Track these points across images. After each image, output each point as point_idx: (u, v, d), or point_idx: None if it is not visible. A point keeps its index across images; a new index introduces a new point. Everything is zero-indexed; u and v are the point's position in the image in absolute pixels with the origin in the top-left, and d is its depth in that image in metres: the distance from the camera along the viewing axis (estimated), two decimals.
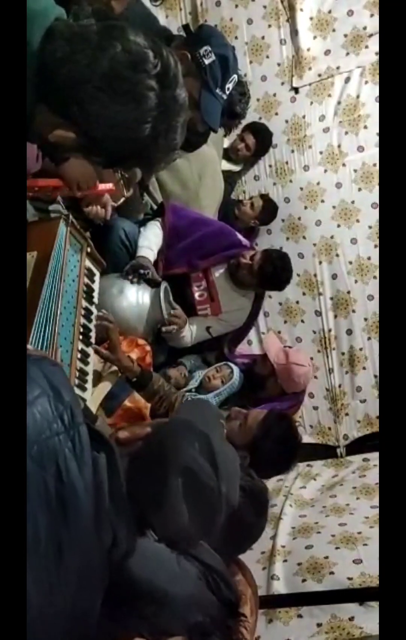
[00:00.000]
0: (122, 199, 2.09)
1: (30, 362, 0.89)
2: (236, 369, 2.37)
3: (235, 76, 1.91)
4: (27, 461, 0.79)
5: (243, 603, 1.36)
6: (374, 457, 2.86)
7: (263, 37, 3.21)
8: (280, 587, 1.88)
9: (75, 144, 0.98)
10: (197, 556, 1.19)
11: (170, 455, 0.97)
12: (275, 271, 2.53)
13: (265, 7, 3.18)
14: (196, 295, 2.59)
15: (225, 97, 1.89)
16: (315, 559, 1.96)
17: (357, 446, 3.09)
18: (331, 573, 1.88)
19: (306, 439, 3.03)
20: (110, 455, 0.91)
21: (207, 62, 1.79)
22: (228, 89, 1.89)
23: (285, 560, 2.00)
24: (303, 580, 1.88)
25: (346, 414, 3.14)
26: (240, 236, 2.71)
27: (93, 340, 1.68)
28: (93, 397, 1.65)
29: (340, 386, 3.15)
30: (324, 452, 3.10)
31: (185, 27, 2.13)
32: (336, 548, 2.01)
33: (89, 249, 1.78)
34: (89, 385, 1.59)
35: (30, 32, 0.90)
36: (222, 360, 2.72)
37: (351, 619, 1.68)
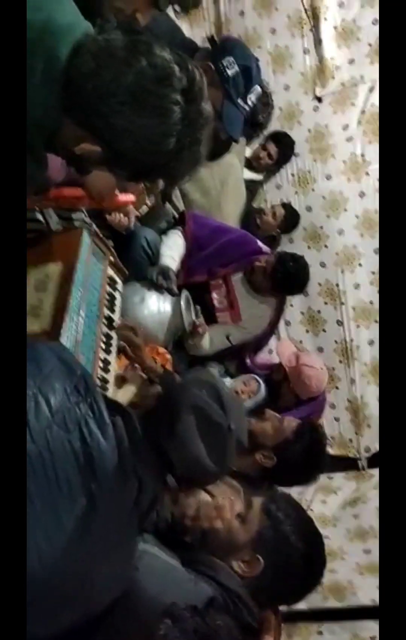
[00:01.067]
0: (145, 208, 2.10)
1: (39, 345, 1.00)
2: (262, 384, 2.35)
3: (258, 87, 1.92)
4: (52, 427, 0.88)
5: (266, 629, 1.33)
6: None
7: (286, 47, 3.21)
8: (301, 604, 1.84)
9: (101, 157, 0.99)
10: (215, 577, 1.16)
11: (181, 397, 1.06)
12: (287, 272, 2.50)
13: (289, 17, 3.18)
14: (216, 302, 2.59)
15: (247, 107, 1.90)
16: (339, 582, 1.93)
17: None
18: (354, 594, 1.84)
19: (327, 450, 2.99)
20: (127, 416, 1.00)
21: (230, 73, 1.81)
22: (250, 99, 1.90)
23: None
24: (325, 598, 1.85)
25: (368, 426, 3.09)
26: (260, 244, 2.70)
27: (114, 348, 1.67)
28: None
29: (361, 397, 3.11)
30: (345, 464, 3.05)
31: (211, 39, 2.15)
32: (361, 574, 1.97)
33: (111, 258, 1.79)
34: (109, 393, 1.58)
35: (58, 47, 0.92)
36: (243, 369, 2.70)
37: (372, 638, 1.64)
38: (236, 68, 1.81)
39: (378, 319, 3.09)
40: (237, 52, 1.83)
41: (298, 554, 1.20)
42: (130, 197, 1.77)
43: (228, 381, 2.50)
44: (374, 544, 2.17)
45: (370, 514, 2.39)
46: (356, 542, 2.21)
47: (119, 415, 0.99)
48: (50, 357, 0.96)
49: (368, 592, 1.83)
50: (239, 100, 1.87)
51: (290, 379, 2.63)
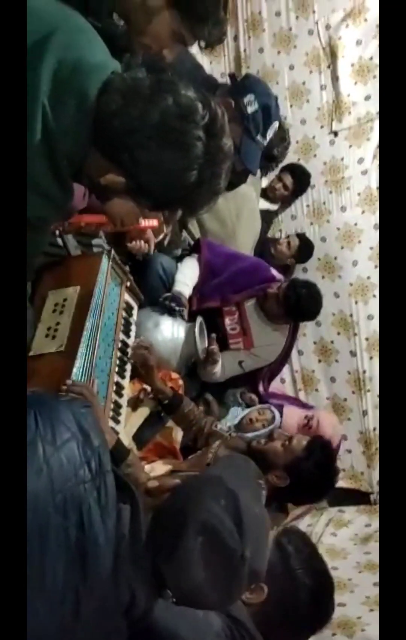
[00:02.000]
0: (162, 235, 2.14)
1: (62, 404, 0.90)
2: (277, 414, 2.32)
3: (276, 123, 1.97)
4: (50, 510, 0.78)
5: None
6: None
7: (304, 83, 3.30)
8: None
9: (124, 187, 1.03)
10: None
11: (192, 510, 0.89)
12: (299, 298, 2.51)
13: (307, 53, 3.28)
14: (228, 328, 2.59)
15: (265, 143, 1.95)
16: (348, 617, 1.89)
17: None
18: (363, 630, 1.80)
19: (338, 482, 2.95)
20: (135, 507, 0.89)
21: (250, 110, 1.86)
22: (268, 135, 1.95)
23: None
24: (333, 634, 1.80)
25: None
26: (274, 271, 2.72)
27: (128, 373, 1.69)
28: (126, 429, 1.65)
29: (374, 429, 3.07)
30: (357, 497, 3.00)
31: (231, 75, 2.22)
32: (371, 610, 1.93)
33: (128, 283, 1.81)
34: (122, 418, 1.59)
35: (88, 84, 0.96)
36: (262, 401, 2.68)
37: None
38: (256, 106, 1.86)
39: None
40: (258, 90, 1.89)
41: (305, 589, 1.18)
42: (153, 223, 1.81)
43: (243, 411, 2.47)
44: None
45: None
46: (366, 573, 2.16)
47: (128, 503, 0.88)
48: (70, 423, 0.86)
49: (377, 628, 1.79)
50: (258, 137, 1.92)
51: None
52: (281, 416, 2.42)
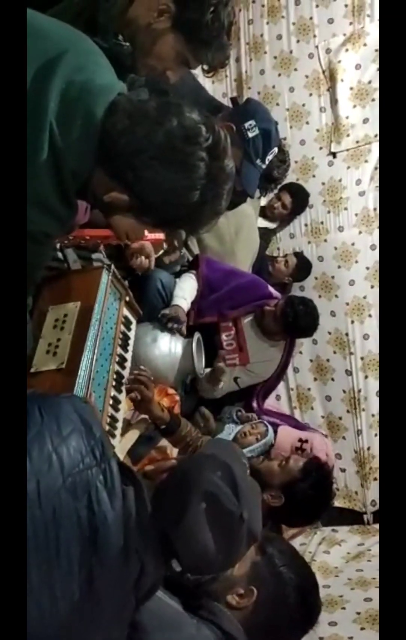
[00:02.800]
0: (161, 252, 2.16)
1: (63, 400, 0.95)
2: (270, 428, 2.33)
3: (276, 149, 2.01)
4: (61, 492, 0.84)
5: None
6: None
7: (303, 105, 3.36)
8: None
9: (128, 205, 1.06)
10: (218, 623, 1.15)
11: (193, 481, 0.99)
12: (296, 315, 2.53)
13: (307, 76, 3.35)
14: (225, 344, 2.60)
15: (264, 167, 1.99)
16: (339, 637, 1.87)
17: None
18: None
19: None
20: (138, 488, 0.94)
21: (250, 135, 1.90)
22: (267, 159, 1.99)
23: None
24: None
25: (375, 479, 3.05)
26: (271, 289, 2.74)
27: (125, 388, 1.69)
28: (121, 445, 1.64)
29: (368, 449, 3.07)
30: (350, 517, 2.99)
31: (233, 99, 2.26)
32: (362, 629, 1.91)
33: (127, 298, 1.82)
34: (117, 432, 1.58)
35: (95, 105, 0.99)
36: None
37: None
38: (257, 131, 1.91)
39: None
40: (259, 116, 1.94)
41: (291, 585, 1.20)
42: (159, 236, 1.83)
43: (236, 428, 2.47)
44: (374, 592, 2.11)
45: (373, 570, 2.34)
46: (357, 589, 2.15)
47: (131, 485, 0.94)
48: (72, 415, 0.93)
49: None
50: (257, 161, 1.97)
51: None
52: (275, 434, 2.42)
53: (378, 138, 3.22)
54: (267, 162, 2.00)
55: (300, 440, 2.48)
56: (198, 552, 0.96)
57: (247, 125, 1.90)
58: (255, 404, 2.86)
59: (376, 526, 2.89)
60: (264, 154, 1.96)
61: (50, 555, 0.81)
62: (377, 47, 3.19)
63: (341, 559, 2.49)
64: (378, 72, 3.20)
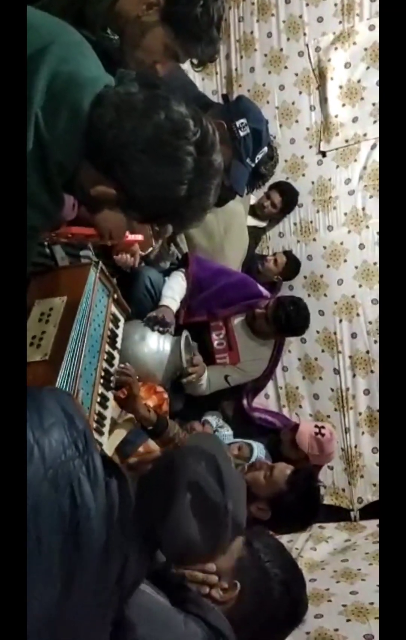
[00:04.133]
0: (150, 249, 2.15)
1: (45, 392, 0.94)
2: (256, 447, 2.32)
3: (265, 148, 2.01)
4: (43, 484, 0.82)
5: None
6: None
7: (293, 103, 3.36)
8: None
9: (115, 199, 1.04)
10: (205, 618, 1.14)
11: (178, 472, 1.00)
12: (288, 317, 2.54)
13: (297, 74, 3.35)
14: (215, 343, 2.60)
15: (253, 165, 1.99)
16: (325, 630, 1.87)
17: (372, 510, 2.99)
18: None
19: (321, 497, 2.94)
20: (121, 480, 0.93)
21: (241, 134, 1.90)
22: (257, 159, 1.99)
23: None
24: None
25: (362, 476, 3.06)
26: (261, 287, 2.74)
27: (113, 384, 1.68)
28: (109, 442, 1.63)
29: (355, 447, 3.08)
30: (337, 514, 3.00)
31: (224, 96, 2.26)
32: (347, 620, 1.91)
33: (115, 295, 1.81)
34: (105, 429, 1.58)
35: (82, 97, 0.98)
36: (240, 413, 2.68)
37: None
38: (248, 130, 1.91)
39: (374, 369, 3.11)
40: (250, 115, 1.94)
41: (277, 580, 1.19)
42: (139, 237, 1.82)
43: (227, 434, 2.47)
44: (360, 585, 2.12)
45: (358, 559, 2.35)
46: (343, 583, 2.15)
47: (115, 477, 0.93)
48: (55, 408, 0.91)
49: None
50: (247, 160, 1.96)
51: (311, 461, 2.58)
52: (295, 431, 2.43)
53: (366, 137, 3.24)
54: (256, 161, 2.01)
55: (316, 426, 2.50)
56: (183, 542, 0.98)
57: (238, 124, 1.90)
58: (245, 402, 2.87)
59: (363, 523, 2.90)
60: (254, 153, 1.96)
61: (30, 546, 0.80)
62: (366, 46, 3.20)
63: (328, 554, 2.50)
64: (366, 70, 3.22)
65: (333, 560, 2.40)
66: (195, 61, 1.44)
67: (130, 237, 1.80)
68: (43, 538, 0.80)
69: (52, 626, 0.79)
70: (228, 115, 1.94)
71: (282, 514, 1.69)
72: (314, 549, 2.54)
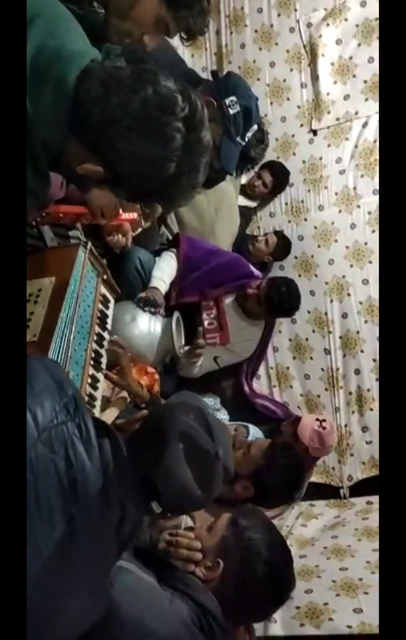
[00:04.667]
0: (140, 229, 2.13)
1: (33, 361, 0.96)
2: (252, 430, 2.33)
3: (255, 126, 1.98)
4: (37, 446, 0.85)
5: None
6: (378, 500, 2.80)
7: (284, 80, 3.31)
8: (277, 630, 1.82)
9: (102, 177, 1.02)
10: (191, 595, 1.16)
11: (168, 424, 1.04)
12: (281, 298, 2.54)
13: (288, 51, 3.30)
14: (206, 323, 2.60)
15: (243, 144, 1.96)
16: (315, 604, 1.90)
17: (361, 488, 3.04)
18: (331, 619, 1.82)
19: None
20: (113, 439, 0.96)
21: (231, 112, 1.87)
22: (247, 137, 1.96)
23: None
24: (301, 625, 1.83)
25: (351, 455, 3.10)
26: (252, 267, 2.74)
27: (104, 366, 1.68)
28: None
29: (346, 426, 3.11)
30: (327, 492, 3.04)
31: (214, 73, 2.22)
32: (337, 595, 1.95)
33: (105, 276, 1.80)
34: (96, 410, 1.58)
35: (68, 72, 0.95)
36: (241, 397, 2.67)
37: None
38: (238, 108, 1.88)
39: (364, 349, 3.13)
40: (240, 92, 1.91)
41: (261, 559, 1.21)
42: (133, 215, 1.80)
43: (223, 418, 2.47)
44: (350, 562, 2.16)
45: (347, 535, 2.39)
46: (333, 559, 2.19)
47: (106, 438, 0.96)
48: (44, 375, 0.94)
49: (343, 615, 1.82)
50: (237, 138, 1.93)
51: (312, 453, 2.58)
52: (297, 423, 2.44)
53: (357, 115, 3.20)
54: (246, 139, 1.98)
55: (318, 419, 2.52)
56: (179, 490, 1.01)
57: (227, 101, 1.87)
58: (247, 388, 2.87)
59: (353, 500, 2.94)
60: (244, 131, 1.93)
61: (30, 507, 0.83)
62: (358, 23, 3.15)
63: (318, 531, 2.54)
64: (358, 47, 3.17)
65: (323, 537, 2.44)
66: (184, 35, 1.41)
67: (124, 215, 1.78)
68: (42, 494, 0.84)
69: (60, 561, 0.83)
70: (218, 92, 1.90)
71: (264, 488, 1.70)
72: (304, 525, 2.58)
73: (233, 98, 1.88)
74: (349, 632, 1.75)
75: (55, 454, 0.87)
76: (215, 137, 1.78)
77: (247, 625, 1.41)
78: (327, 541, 2.37)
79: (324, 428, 2.49)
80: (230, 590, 1.20)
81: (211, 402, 2.57)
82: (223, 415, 2.53)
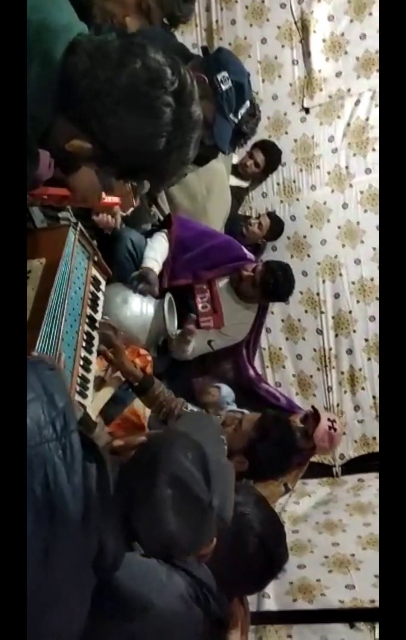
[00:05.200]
0: (131, 209, 2.11)
1: (28, 366, 0.88)
2: (224, 389, 2.34)
3: (248, 102, 1.95)
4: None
5: (234, 623, 1.34)
6: (369, 477, 2.85)
7: (276, 57, 3.27)
8: (271, 605, 1.86)
9: (91, 154, 1.00)
10: (187, 569, 1.18)
11: (161, 464, 0.93)
12: (276, 282, 2.53)
13: (279, 27, 3.24)
14: (199, 306, 2.59)
15: (236, 121, 1.92)
16: (307, 580, 1.94)
17: (353, 466, 3.08)
18: (323, 595, 1.86)
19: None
20: (101, 465, 0.90)
21: (223, 88, 1.83)
22: (240, 113, 1.92)
23: (277, 578, 1.99)
24: (294, 600, 1.86)
25: (343, 433, 3.12)
26: (245, 250, 2.72)
27: (95, 348, 1.68)
28: (93, 404, 1.64)
29: (338, 405, 3.14)
30: (320, 470, 3.08)
31: (204, 49, 2.18)
32: (329, 571, 1.99)
33: (96, 258, 1.79)
34: (89, 392, 1.58)
35: (54, 45, 0.93)
36: (245, 384, 2.68)
37: None
38: (230, 84, 1.83)
39: (356, 328, 3.14)
40: (232, 67, 1.86)
41: (253, 534, 1.23)
42: (115, 199, 1.78)
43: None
44: (341, 537, 2.20)
45: (339, 510, 2.42)
46: (325, 534, 2.24)
47: (94, 461, 0.89)
48: (35, 384, 0.87)
49: (335, 591, 1.86)
50: (230, 115, 1.90)
51: (318, 451, 2.61)
52: (317, 423, 2.46)
53: (350, 93, 3.17)
54: (239, 116, 1.95)
55: (329, 419, 2.54)
56: (161, 537, 0.91)
57: (219, 77, 1.83)
58: (252, 372, 2.85)
59: (345, 478, 2.98)
60: (237, 107, 1.90)
61: None
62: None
63: (310, 507, 2.58)
64: (350, 23, 3.13)
65: (316, 513, 2.48)
66: (167, 21, 1.38)
67: (107, 199, 1.76)
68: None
69: (33, 588, 0.77)
70: (209, 68, 1.86)
71: (258, 460, 1.72)
72: (297, 502, 2.62)
73: (224, 74, 1.84)
74: (341, 607, 1.78)
75: (33, 478, 0.80)
76: (208, 114, 1.75)
77: (241, 598, 1.44)
78: (319, 517, 2.41)
79: (335, 430, 2.50)
80: (223, 564, 1.20)
81: (225, 391, 2.55)
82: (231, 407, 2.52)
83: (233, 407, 2.34)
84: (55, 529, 0.81)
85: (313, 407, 2.76)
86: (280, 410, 2.56)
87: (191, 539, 0.93)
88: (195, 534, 0.93)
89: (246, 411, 2.07)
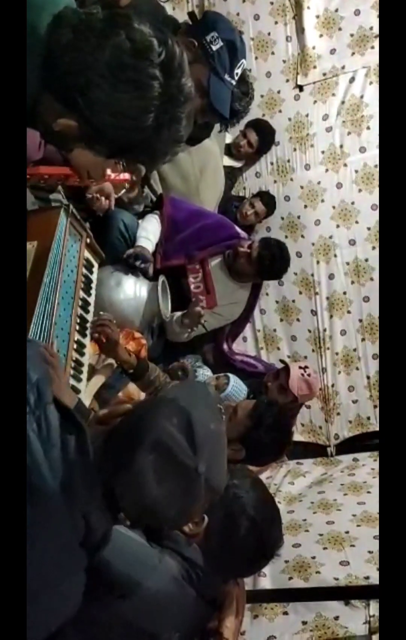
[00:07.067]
0: (123, 191, 2.08)
1: None
2: (232, 380, 2.34)
3: (244, 61, 1.88)
4: None
5: (229, 603, 1.36)
6: (364, 457, 2.87)
7: (269, 34, 3.20)
8: (266, 584, 1.88)
9: (79, 132, 0.96)
10: (179, 551, 1.19)
11: (144, 429, 0.88)
12: (273, 258, 2.52)
13: (272, 3, 3.17)
14: (192, 287, 2.58)
15: (233, 82, 1.86)
16: (302, 558, 1.96)
17: (347, 446, 3.10)
18: (318, 572, 1.88)
19: (297, 437, 3.04)
20: (81, 436, 0.87)
21: (214, 48, 1.76)
22: (236, 74, 1.86)
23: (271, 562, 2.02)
24: (290, 578, 1.88)
25: (338, 414, 3.15)
26: (238, 229, 2.71)
27: (89, 331, 1.67)
28: (87, 389, 1.64)
29: (332, 386, 3.16)
30: (314, 450, 3.11)
31: (191, 14, 2.10)
32: (324, 548, 2.01)
33: (88, 240, 1.77)
34: (83, 376, 1.58)
35: (39, 19, 0.90)
36: (220, 357, 2.69)
37: (336, 618, 1.68)
38: (220, 43, 1.76)
39: (350, 309, 3.14)
40: (220, 26, 1.78)
41: (245, 517, 1.23)
42: (125, 176, 1.74)
43: (207, 374, 2.48)
44: (336, 515, 2.22)
45: (334, 490, 2.45)
46: (320, 513, 2.26)
47: (74, 435, 0.86)
48: None
49: (330, 568, 1.88)
50: (226, 76, 1.83)
51: (300, 400, 2.62)
52: (287, 374, 2.46)
53: (344, 70, 3.11)
54: (235, 76, 1.87)
55: (300, 367, 2.55)
56: (145, 506, 0.87)
57: (208, 38, 1.75)
58: (224, 346, 2.88)
59: (339, 458, 3.01)
60: (231, 67, 1.82)
61: None
62: None
63: (305, 487, 2.61)
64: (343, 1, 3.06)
65: (310, 493, 2.50)
66: None
67: (113, 175, 1.72)
68: None
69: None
70: (197, 31, 1.79)
71: (254, 448, 1.73)
72: (292, 483, 2.64)
73: (213, 34, 1.77)
74: (336, 584, 1.81)
75: None
76: (202, 79, 1.70)
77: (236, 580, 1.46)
78: (314, 496, 2.43)
79: (309, 375, 2.52)
80: (214, 546, 1.20)
81: (192, 359, 2.57)
82: (206, 372, 2.54)
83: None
84: (34, 504, 0.78)
85: (281, 360, 2.79)
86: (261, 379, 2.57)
87: (177, 506, 0.89)
88: (180, 501, 0.88)
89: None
